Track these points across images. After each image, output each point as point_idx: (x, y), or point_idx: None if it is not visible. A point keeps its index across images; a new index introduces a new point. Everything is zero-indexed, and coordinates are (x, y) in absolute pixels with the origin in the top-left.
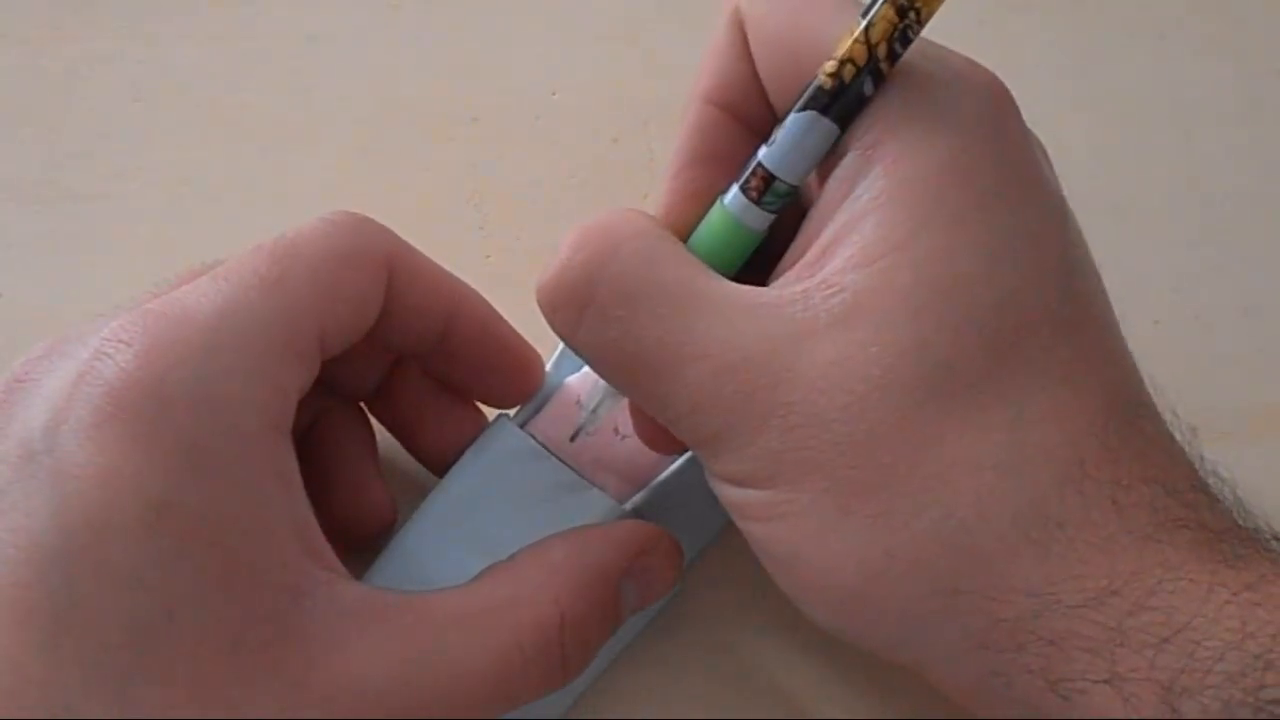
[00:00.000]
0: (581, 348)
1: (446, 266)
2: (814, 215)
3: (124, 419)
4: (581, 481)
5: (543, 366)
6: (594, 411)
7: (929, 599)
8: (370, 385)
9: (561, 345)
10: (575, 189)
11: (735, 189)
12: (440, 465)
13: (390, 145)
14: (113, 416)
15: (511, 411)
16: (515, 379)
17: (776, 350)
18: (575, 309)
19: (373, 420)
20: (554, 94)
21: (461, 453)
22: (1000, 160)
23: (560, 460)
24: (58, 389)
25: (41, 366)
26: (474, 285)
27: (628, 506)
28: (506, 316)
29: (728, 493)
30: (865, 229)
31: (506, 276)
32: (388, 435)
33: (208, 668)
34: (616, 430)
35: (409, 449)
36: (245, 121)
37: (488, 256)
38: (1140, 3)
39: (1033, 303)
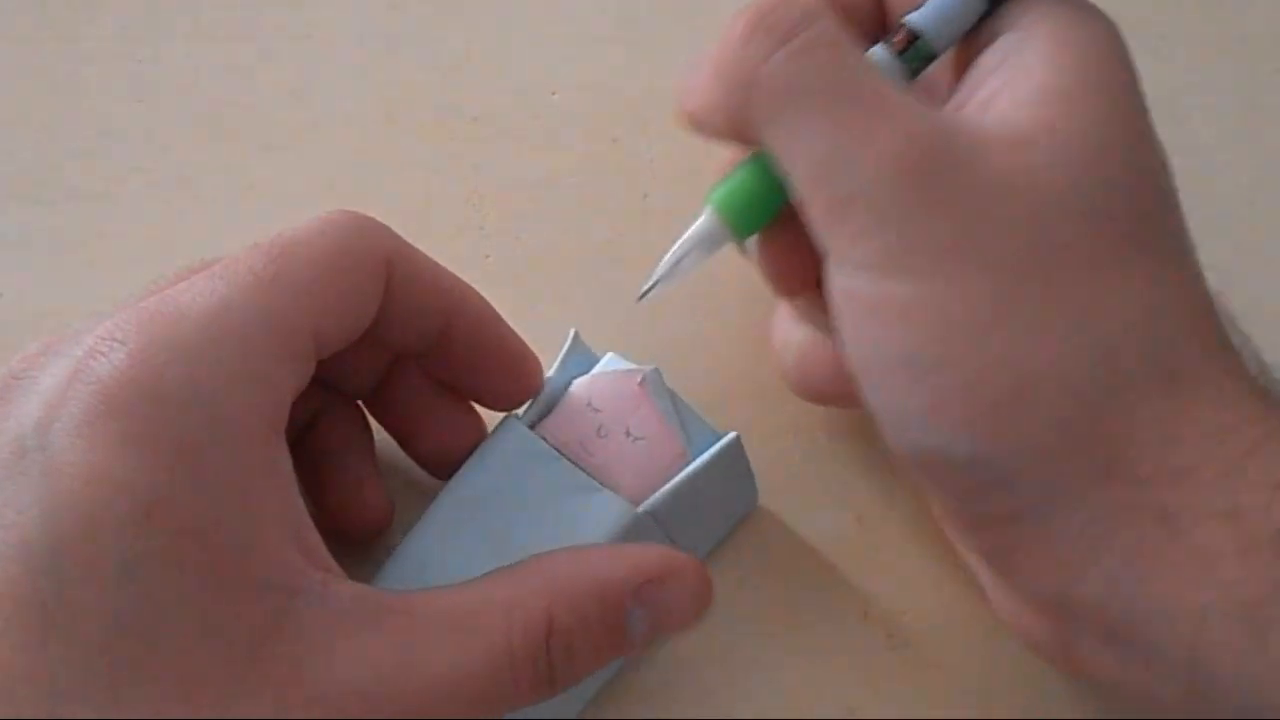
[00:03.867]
0: (771, 78)
1: (446, 266)
2: (970, 78)
3: (116, 417)
4: (593, 483)
5: (541, 369)
6: (678, 264)
7: (1070, 421)
8: (368, 384)
9: (566, 348)
10: (575, 189)
11: (878, 47)
12: (438, 467)
13: (390, 145)
14: (105, 415)
15: (520, 413)
16: (514, 380)
17: (958, 149)
18: (780, 37)
19: (371, 421)
20: (554, 94)
21: (469, 454)
22: (1130, 62)
23: (571, 462)
24: (51, 386)
25: (36, 364)
26: (474, 285)
27: (640, 510)
28: (506, 316)
29: (871, 288)
30: (1034, 78)
31: (506, 276)
32: (387, 436)
33: (197, 667)
34: (628, 433)
35: (407, 450)
36: (245, 121)
37: (487, 256)
38: (1142, 4)
39: (1169, 185)
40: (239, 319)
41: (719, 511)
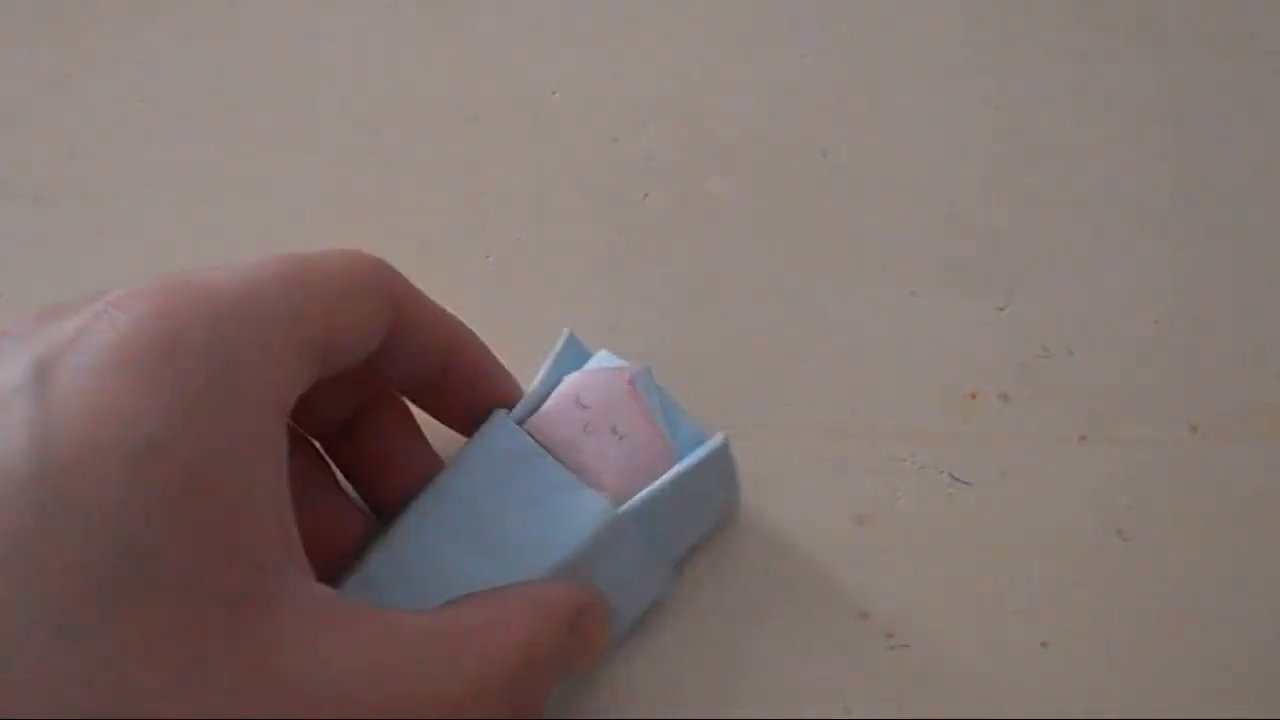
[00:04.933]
0: None
1: (446, 267)
2: None
3: (130, 360)
4: (575, 482)
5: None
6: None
7: None
8: (334, 422)
9: (559, 348)
10: (575, 189)
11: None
12: (390, 509)
13: (390, 145)
14: (119, 359)
15: (508, 410)
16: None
17: None
18: None
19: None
20: (554, 94)
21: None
22: None
23: (557, 460)
24: (58, 335)
25: (33, 325)
26: (474, 285)
27: (621, 510)
28: (505, 316)
29: None
30: None
31: (506, 276)
32: None
33: (165, 625)
34: (615, 431)
35: (360, 489)
36: (245, 121)
37: (487, 257)
38: (1142, 4)
39: None
40: (264, 303)
41: (701, 514)
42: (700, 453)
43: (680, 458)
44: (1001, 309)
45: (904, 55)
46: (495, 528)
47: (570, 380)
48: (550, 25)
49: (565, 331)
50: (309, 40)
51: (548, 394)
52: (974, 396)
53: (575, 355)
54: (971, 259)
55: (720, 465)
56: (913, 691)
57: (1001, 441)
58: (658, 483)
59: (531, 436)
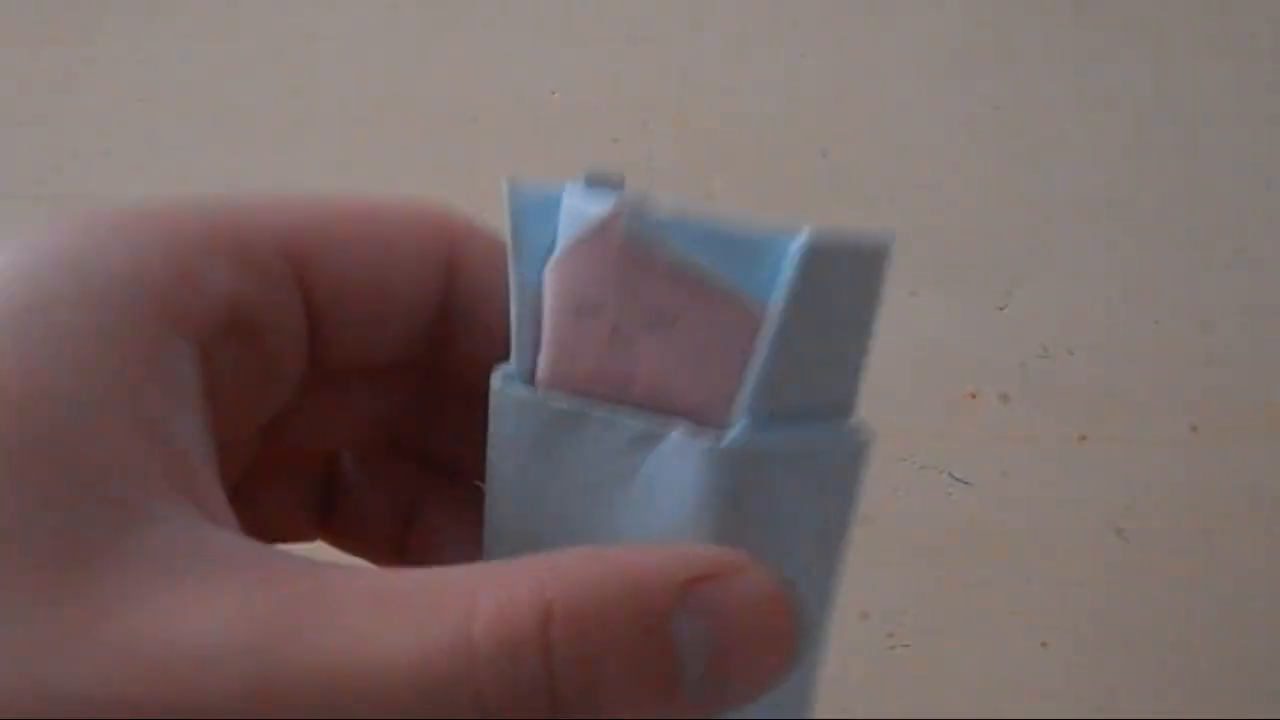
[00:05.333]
0: None
1: None
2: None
3: None
4: (644, 429)
5: None
6: None
7: None
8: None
9: (507, 209)
10: None
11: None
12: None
13: (390, 145)
14: None
15: (504, 370)
16: None
17: None
18: None
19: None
20: (554, 94)
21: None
22: None
23: (606, 416)
24: None
25: None
26: None
27: (726, 444)
28: None
29: None
30: None
31: None
32: None
33: None
34: (650, 320)
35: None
36: (245, 121)
37: None
38: (1142, 4)
39: None
40: (190, 214)
41: (850, 344)
42: (793, 273)
43: (769, 304)
44: (1002, 309)
45: (904, 56)
46: (573, 537)
47: (551, 283)
48: (550, 26)
49: (501, 184)
50: (309, 41)
51: (532, 319)
52: (974, 396)
53: (536, 210)
54: (972, 259)
55: (847, 276)
56: (913, 690)
57: (1001, 441)
58: (757, 362)
59: (555, 398)
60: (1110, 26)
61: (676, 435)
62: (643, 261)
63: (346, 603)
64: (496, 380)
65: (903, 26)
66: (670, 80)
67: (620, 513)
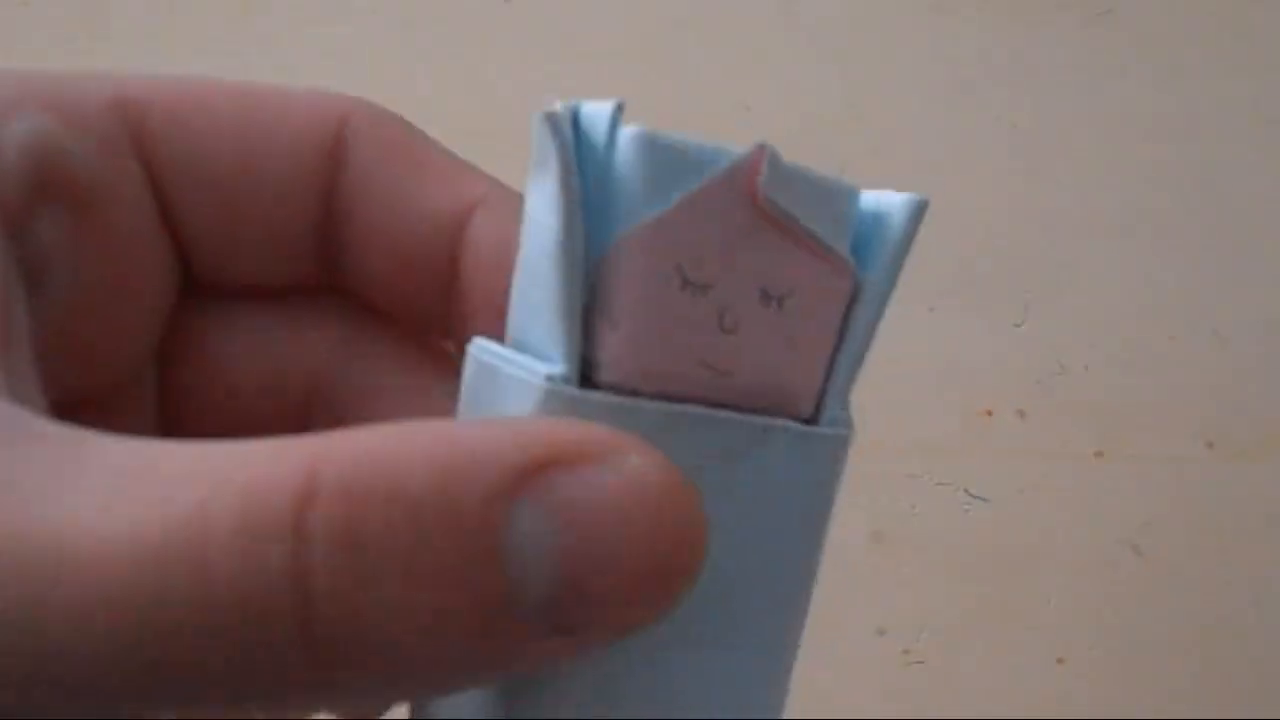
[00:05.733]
0: None
1: None
2: None
3: None
4: (749, 427)
5: None
6: None
7: None
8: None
9: (550, 145)
10: None
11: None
12: None
13: None
14: None
15: (550, 371)
16: None
17: None
18: None
19: None
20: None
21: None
22: None
23: (704, 416)
24: None
25: None
26: None
27: (838, 429)
28: None
29: None
30: None
31: None
32: None
33: None
34: (767, 294)
35: None
36: None
37: None
38: (1153, 19)
39: None
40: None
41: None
42: (905, 222)
43: (862, 275)
44: (1018, 326)
45: (921, 73)
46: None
47: (640, 248)
48: (558, 42)
49: (553, 108)
50: (317, 53)
51: (607, 282)
52: (990, 413)
53: (595, 151)
54: (988, 276)
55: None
56: (930, 707)
57: (1018, 458)
58: (861, 325)
59: (640, 400)
60: (1127, 44)
61: (791, 428)
62: (771, 221)
63: (92, 472)
64: (529, 375)
65: (920, 44)
66: (687, 97)
67: (711, 536)
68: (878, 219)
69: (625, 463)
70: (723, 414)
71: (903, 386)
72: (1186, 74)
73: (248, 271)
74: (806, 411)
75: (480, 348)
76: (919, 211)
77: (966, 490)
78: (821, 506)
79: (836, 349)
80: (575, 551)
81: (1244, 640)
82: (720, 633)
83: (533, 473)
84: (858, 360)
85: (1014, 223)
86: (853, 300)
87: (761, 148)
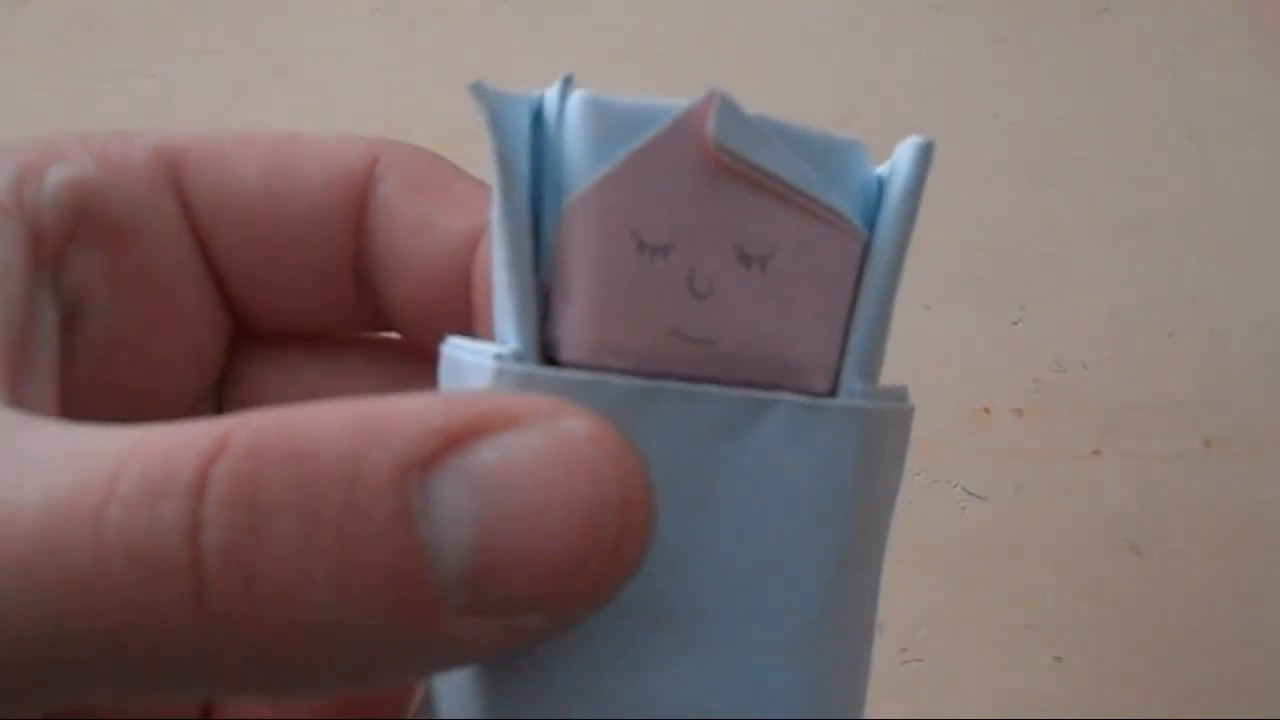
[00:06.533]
0: None
1: None
2: None
3: None
4: (741, 402)
5: None
6: None
7: None
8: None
9: (487, 122)
10: None
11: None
12: None
13: None
14: None
15: (497, 350)
16: None
17: None
18: None
19: None
20: None
21: None
22: None
23: (684, 390)
24: None
25: None
26: None
27: (855, 400)
28: None
29: None
30: None
31: None
32: None
33: None
34: (746, 255)
35: None
36: None
37: None
38: (1155, 18)
39: None
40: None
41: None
42: (911, 172)
43: (868, 231)
44: (1015, 324)
45: (916, 70)
46: (675, 586)
47: (589, 213)
48: (563, 48)
49: (471, 92)
50: (320, 58)
51: (557, 253)
52: (988, 411)
53: (522, 121)
54: (985, 274)
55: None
56: (927, 706)
57: (1015, 456)
58: (874, 287)
59: (606, 377)
60: (1125, 42)
61: (792, 402)
62: (734, 173)
63: (33, 451)
64: (482, 359)
65: (914, 41)
66: (686, 97)
67: (705, 524)
68: (888, 175)
69: (553, 426)
70: (704, 388)
71: (899, 384)
72: (1186, 72)
73: (293, 310)
74: (821, 385)
75: (450, 344)
76: (925, 154)
77: (964, 488)
78: (850, 488)
79: (850, 314)
80: (492, 519)
81: (1243, 639)
82: (723, 631)
83: (455, 440)
84: (877, 325)
85: (1011, 221)
86: (862, 260)
87: (710, 95)
